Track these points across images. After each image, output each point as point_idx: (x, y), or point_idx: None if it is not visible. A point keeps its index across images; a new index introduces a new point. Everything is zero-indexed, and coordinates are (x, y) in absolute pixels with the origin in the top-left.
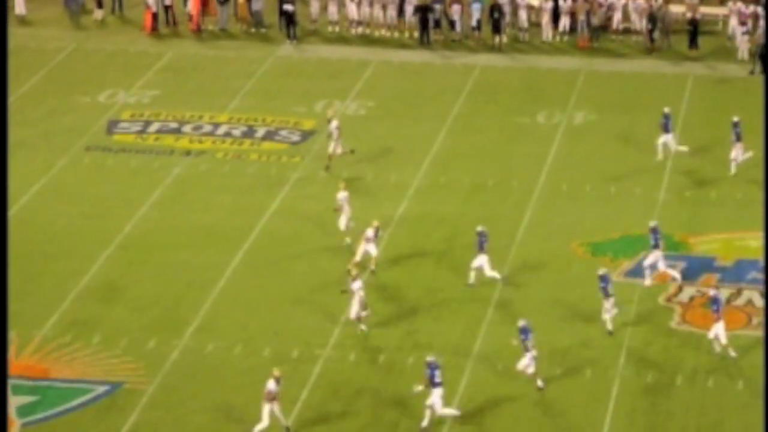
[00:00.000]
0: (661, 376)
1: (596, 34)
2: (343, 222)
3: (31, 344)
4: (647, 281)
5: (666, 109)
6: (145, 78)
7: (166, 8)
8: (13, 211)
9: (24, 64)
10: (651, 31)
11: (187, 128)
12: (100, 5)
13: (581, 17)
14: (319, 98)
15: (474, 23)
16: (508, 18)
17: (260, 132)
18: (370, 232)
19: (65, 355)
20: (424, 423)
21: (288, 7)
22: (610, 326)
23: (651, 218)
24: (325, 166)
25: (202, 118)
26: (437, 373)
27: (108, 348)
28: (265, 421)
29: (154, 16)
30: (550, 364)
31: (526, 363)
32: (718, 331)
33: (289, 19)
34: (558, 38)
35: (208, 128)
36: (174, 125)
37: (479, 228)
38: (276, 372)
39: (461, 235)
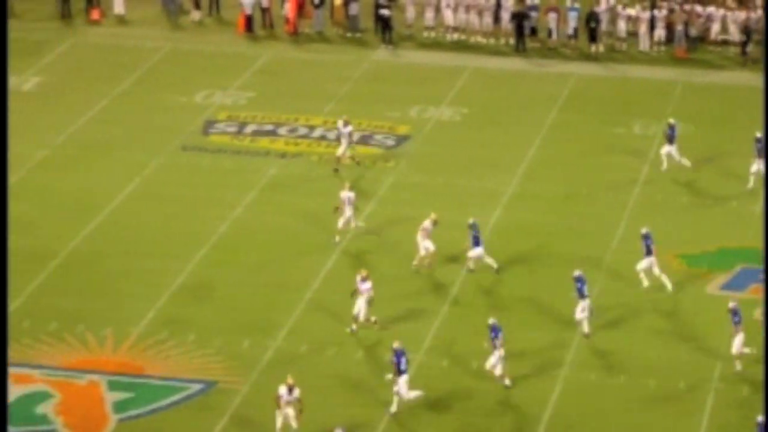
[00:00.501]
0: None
1: (694, 45)
2: (341, 222)
3: (127, 341)
4: (645, 283)
5: (671, 120)
6: (242, 79)
7: (263, 10)
8: (107, 210)
9: (121, 63)
10: (745, 44)
11: (282, 130)
12: (197, 6)
13: (679, 27)
14: (414, 103)
15: (570, 31)
16: (604, 26)
17: (355, 136)
18: (427, 224)
19: (160, 352)
20: (393, 408)
21: (384, 12)
22: (586, 329)
23: (749, 231)
24: (333, 168)
25: (297, 120)
26: (403, 360)
27: (202, 347)
28: (277, 426)
29: (248, 18)
30: (641, 375)
31: (493, 362)
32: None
33: (384, 23)
34: (655, 48)
35: (303, 131)
36: (270, 127)
37: (471, 221)
38: (289, 380)
39: (553, 244)
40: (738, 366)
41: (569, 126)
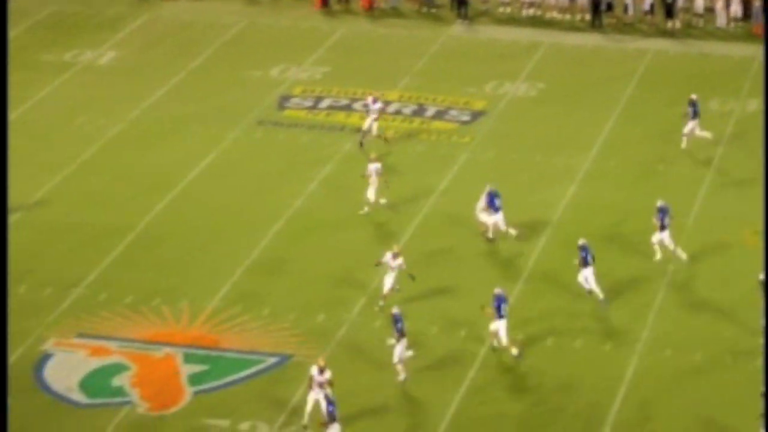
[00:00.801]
0: None
1: None
2: (371, 192)
3: (202, 315)
4: (658, 255)
5: (693, 96)
6: (317, 54)
7: None
8: (182, 184)
9: (196, 38)
10: None
11: (357, 105)
12: None
13: (756, 3)
14: (489, 79)
15: (647, 7)
16: (681, 2)
17: (430, 111)
18: (482, 201)
19: (236, 326)
20: (402, 377)
21: None
22: (600, 295)
23: None
24: (359, 142)
25: (372, 95)
26: (400, 325)
27: (277, 321)
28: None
29: None
30: (719, 350)
31: (496, 328)
32: None
33: None
34: (732, 24)
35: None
36: (345, 102)
37: (489, 188)
38: (321, 361)
39: (629, 221)
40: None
41: (645, 103)
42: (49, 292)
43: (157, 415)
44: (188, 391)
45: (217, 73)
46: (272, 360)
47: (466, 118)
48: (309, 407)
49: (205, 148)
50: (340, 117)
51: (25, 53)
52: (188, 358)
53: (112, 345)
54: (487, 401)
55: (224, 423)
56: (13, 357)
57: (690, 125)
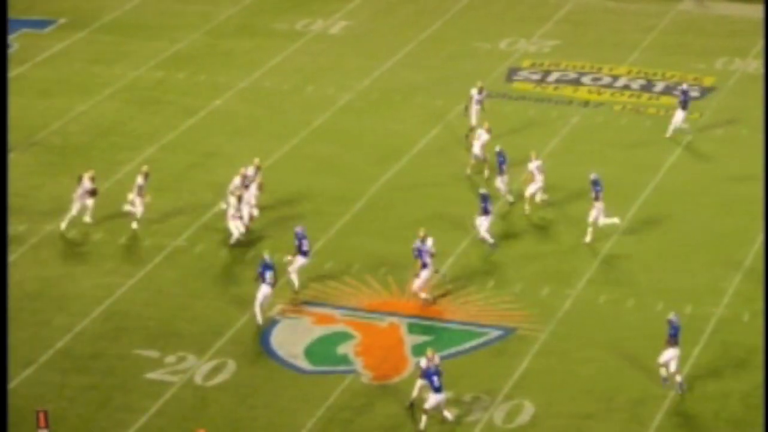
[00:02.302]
0: None
1: None
2: (531, 188)
3: (428, 285)
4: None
5: (684, 86)
6: (545, 28)
7: None
8: (409, 155)
9: (425, 9)
10: None
11: (586, 79)
12: None
13: None
14: (719, 55)
15: None
16: None
17: (659, 86)
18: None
19: (459, 297)
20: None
21: None
22: (613, 220)
23: None
24: (465, 134)
25: (601, 70)
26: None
27: (501, 294)
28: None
29: None
30: None
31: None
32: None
33: None
34: None
35: (606, 80)
36: (573, 76)
37: (497, 148)
38: (429, 352)
39: None
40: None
41: None
42: (277, 259)
43: (380, 385)
44: (412, 362)
45: (446, 43)
46: (496, 333)
47: (695, 93)
48: (414, 394)
49: (432, 120)
50: (568, 91)
51: (258, 20)
52: (412, 329)
53: (337, 313)
54: (711, 380)
55: (447, 394)
56: (241, 322)
57: (680, 115)
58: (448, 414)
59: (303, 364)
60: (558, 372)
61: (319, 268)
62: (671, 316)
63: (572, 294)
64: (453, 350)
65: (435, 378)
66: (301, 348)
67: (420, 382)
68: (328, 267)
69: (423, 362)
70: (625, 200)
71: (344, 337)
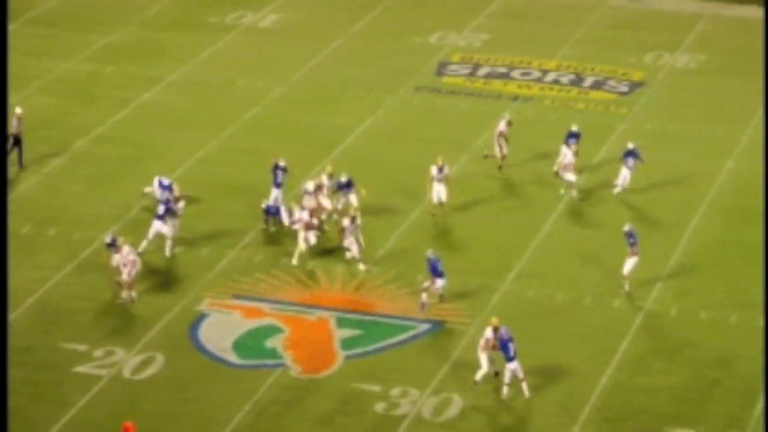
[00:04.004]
0: None
1: None
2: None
3: (356, 279)
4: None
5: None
6: (477, 21)
7: None
8: (341, 147)
9: (356, 2)
10: None
11: (515, 73)
12: None
13: None
14: (649, 50)
15: None
16: None
17: (588, 81)
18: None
19: (389, 291)
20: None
21: None
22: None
23: None
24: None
25: (530, 64)
26: (438, 265)
27: (430, 288)
28: (484, 368)
29: None
30: None
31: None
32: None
33: None
34: None
35: (536, 74)
36: (503, 70)
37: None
38: (494, 320)
39: None
40: (626, 287)
41: None
42: (206, 253)
43: (309, 378)
44: (341, 356)
45: (376, 38)
46: (424, 326)
47: (624, 88)
48: (485, 366)
49: (363, 113)
50: (497, 85)
51: (190, 13)
52: (341, 323)
53: (266, 307)
54: (640, 373)
55: (376, 388)
56: (169, 316)
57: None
58: (525, 387)
59: (232, 357)
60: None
61: (249, 262)
62: (626, 227)
63: (501, 288)
64: (382, 344)
65: (511, 346)
66: (230, 342)
67: (484, 355)
68: (258, 260)
69: (489, 332)
70: (555, 194)
71: (273, 330)
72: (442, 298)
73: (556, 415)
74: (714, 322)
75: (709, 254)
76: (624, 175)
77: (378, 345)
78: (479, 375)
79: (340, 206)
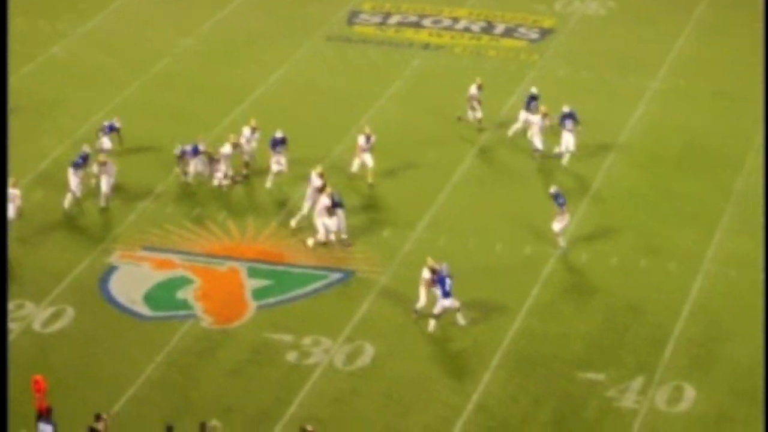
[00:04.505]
0: None
1: None
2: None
3: (267, 229)
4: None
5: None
6: None
7: None
8: (251, 98)
9: None
10: None
11: (426, 22)
12: None
13: None
14: None
15: None
16: None
17: (499, 28)
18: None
19: (300, 241)
20: None
21: None
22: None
23: None
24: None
25: (441, 12)
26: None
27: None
28: (422, 301)
29: None
30: None
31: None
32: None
33: None
34: None
35: (447, 22)
36: (414, 18)
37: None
38: (429, 260)
39: (700, 142)
40: (562, 243)
41: (720, 22)
42: (117, 205)
43: (221, 329)
44: (252, 306)
45: None
46: (336, 276)
47: (534, 36)
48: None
49: (274, 63)
50: (408, 33)
51: None
52: (252, 273)
53: (176, 258)
54: (552, 319)
55: (287, 338)
56: (79, 269)
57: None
58: (461, 318)
59: (143, 309)
60: (399, 314)
61: (160, 213)
62: (552, 189)
63: (412, 236)
64: (293, 293)
65: (448, 281)
66: (141, 294)
67: (424, 291)
68: (168, 212)
69: (426, 272)
70: (465, 142)
71: (184, 282)
72: (345, 242)
73: (467, 360)
74: (624, 268)
75: (618, 200)
76: (566, 140)
77: (289, 295)
78: (418, 305)
79: (276, 167)
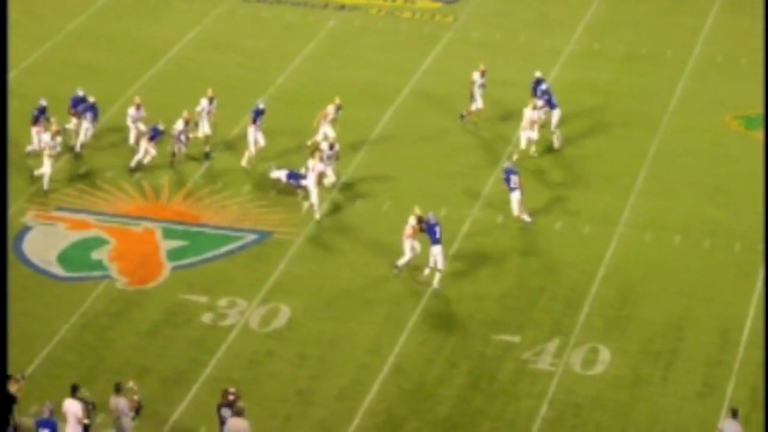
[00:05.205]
0: None
1: None
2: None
3: (183, 190)
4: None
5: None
6: None
7: None
8: (167, 57)
9: None
10: None
11: None
12: None
13: None
14: None
15: None
16: None
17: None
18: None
19: (216, 202)
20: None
21: None
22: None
23: None
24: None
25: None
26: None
27: (258, 198)
28: (407, 255)
29: None
30: (699, 234)
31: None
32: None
33: None
34: None
35: None
36: None
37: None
38: (416, 209)
39: (614, 103)
40: (527, 218)
41: None
42: (29, 164)
43: (136, 290)
44: (167, 267)
45: None
46: (252, 237)
47: None
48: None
49: (189, 23)
50: None
51: None
52: (167, 233)
53: (90, 219)
54: (467, 280)
55: (203, 299)
56: None
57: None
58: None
59: (57, 270)
60: (315, 276)
61: (73, 173)
62: (506, 164)
63: (327, 198)
64: (209, 254)
65: (437, 228)
66: (55, 254)
67: (408, 243)
68: (82, 171)
69: (413, 221)
70: (382, 103)
71: (98, 242)
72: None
73: (382, 324)
74: (539, 229)
75: (534, 162)
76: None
77: (204, 256)
78: (401, 261)
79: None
